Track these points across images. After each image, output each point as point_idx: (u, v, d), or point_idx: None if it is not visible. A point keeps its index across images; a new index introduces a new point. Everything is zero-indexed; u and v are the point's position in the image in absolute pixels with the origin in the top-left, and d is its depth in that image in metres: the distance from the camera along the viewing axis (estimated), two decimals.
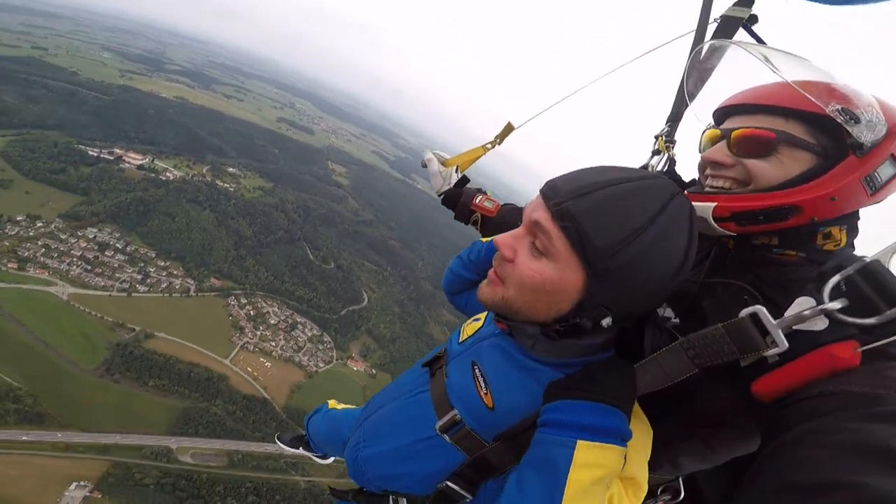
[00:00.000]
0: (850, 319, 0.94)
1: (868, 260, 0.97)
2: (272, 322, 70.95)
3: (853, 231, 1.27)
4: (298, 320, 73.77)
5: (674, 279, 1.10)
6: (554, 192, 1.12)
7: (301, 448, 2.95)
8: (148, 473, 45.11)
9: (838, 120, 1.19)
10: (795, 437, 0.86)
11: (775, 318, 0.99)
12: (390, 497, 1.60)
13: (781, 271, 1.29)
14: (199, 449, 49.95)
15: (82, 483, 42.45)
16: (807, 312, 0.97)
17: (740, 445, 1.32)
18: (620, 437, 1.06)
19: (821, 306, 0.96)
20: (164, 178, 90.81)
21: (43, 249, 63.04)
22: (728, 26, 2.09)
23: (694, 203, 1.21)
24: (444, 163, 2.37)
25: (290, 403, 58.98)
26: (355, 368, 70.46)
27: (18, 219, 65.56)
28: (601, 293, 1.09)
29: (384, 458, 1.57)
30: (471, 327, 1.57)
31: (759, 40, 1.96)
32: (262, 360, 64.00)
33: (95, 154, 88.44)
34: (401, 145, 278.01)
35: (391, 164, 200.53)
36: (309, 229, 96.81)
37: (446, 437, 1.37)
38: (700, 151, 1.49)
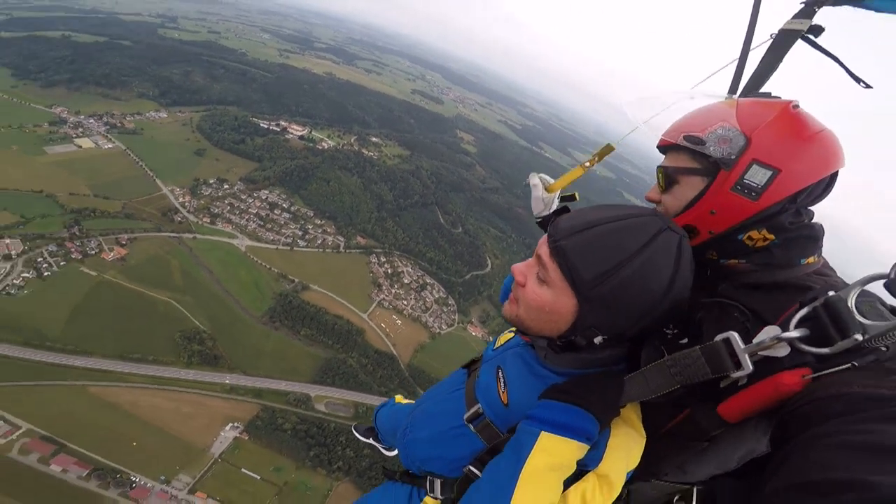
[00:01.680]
0: (807, 348, 1.02)
1: (830, 295, 1.04)
2: (405, 281, 72.97)
3: (782, 229, 1.31)
4: (428, 281, 74.96)
5: (658, 305, 1.21)
6: (555, 231, 1.30)
7: (371, 439, 3.13)
8: (288, 419, 46.75)
9: (687, 146, 1.37)
10: (808, 439, 0.87)
11: (747, 342, 1.08)
12: (428, 479, 1.82)
13: (740, 278, 1.39)
14: (332, 398, 51.30)
15: (236, 424, 44.83)
16: (768, 340, 1.05)
17: (739, 451, 1.35)
18: (583, 434, 1.22)
19: (780, 334, 1.04)
20: (320, 148, 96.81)
21: (228, 207, 70.95)
22: (786, 40, 1.92)
23: None
24: (547, 188, 2.28)
25: (413, 362, 59.91)
26: (474, 334, 69.90)
27: (211, 181, 74.44)
28: (589, 316, 1.25)
29: (423, 442, 1.85)
30: (504, 337, 1.83)
31: (825, 52, 1.85)
32: (394, 317, 65.85)
33: (266, 126, 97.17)
34: (527, 114, 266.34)
35: (518, 133, 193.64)
36: (440, 195, 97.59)
37: (471, 427, 1.62)
38: None
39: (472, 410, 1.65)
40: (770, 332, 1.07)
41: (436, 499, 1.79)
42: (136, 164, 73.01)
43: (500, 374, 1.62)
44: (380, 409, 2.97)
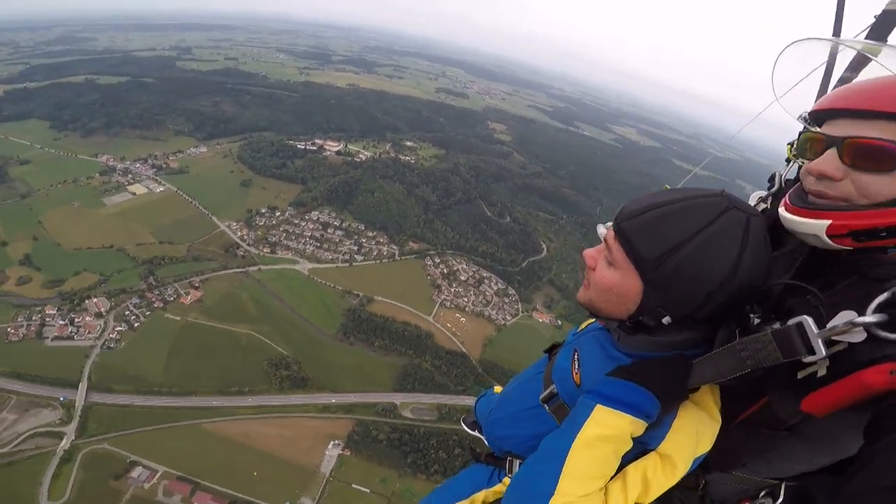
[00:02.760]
0: (882, 333, 0.96)
1: None
2: (462, 278, 72.86)
3: None
4: (484, 275, 74.57)
5: (724, 286, 1.19)
6: (619, 214, 1.34)
7: (477, 431, 3.11)
8: (381, 430, 47.82)
9: None
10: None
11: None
12: (508, 460, 1.95)
13: (889, 270, 1.18)
14: (416, 404, 52.17)
15: (336, 442, 46.23)
16: (841, 325, 1.00)
17: (828, 448, 1.29)
18: (638, 410, 1.26)
19: (854, 319, 0.99)
20: (358, 160, 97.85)
21: (284, 234, 72.68)
22: (888, 22, 1.84)
23: (802, 219, 1.25)
24: None
25: (484, 357, 60.16)
26: (541, 320, 69.13)
27: (262, 210, 76.48)
28: (654, 297, 1.28)
29: (503, 421, 2.02)
30: (586, 322, 1.89)
31: None
32: (457, 315, 65.87)
33: (302, 147, 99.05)
34: (557, 96, 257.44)
35: (550, 115, 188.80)
36: (482, 188, 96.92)
37: (546, 407, 1.70)
38: (795, 152, 1.55)
39: (547, 391, 1.72)
40: (845, 316, 1.02)
41: None
42: (189, 203, 76.20)
43: (576, 356, 1.67)
44: (479, 399, 3.02)
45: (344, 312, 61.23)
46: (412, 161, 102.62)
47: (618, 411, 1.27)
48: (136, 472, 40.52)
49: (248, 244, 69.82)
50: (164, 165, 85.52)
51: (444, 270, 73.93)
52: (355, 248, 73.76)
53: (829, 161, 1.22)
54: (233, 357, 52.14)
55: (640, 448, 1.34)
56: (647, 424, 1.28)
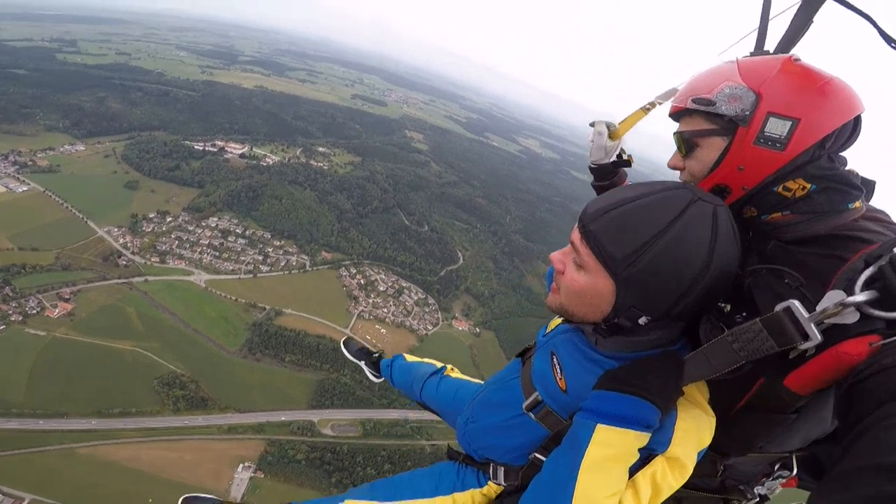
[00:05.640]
0: (876, 313, 0.95)
1: None
2: (381, 289, 71.35)
3: (818, 175, 1.30)
4: (404, 285, 73.69)
5: (699, 279, 1.19)
6: (584, 215, 1.32)
7: (363, 362, 3.48)
8: (298, 449, 45.82)
9: (697, 108, 1.41)
10: (880, 417, 0.81)
11: (809, 306, 1.01)
12: (491, 465, 1.86)
13: (787, 232, 1.37)
14: (336, 420, 50.48)
15: (247, 464, 43.53)
16: (832, 307, 0.98)
17: (818, 426, 1.34)
18: (641, 423, 1.22)
19: (844, 300, 0.97)
20: (264, 164, 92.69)
21: (176, 242, 66.30)
22: (814, 2, 1.93)
23: None
24: (611, 135, 2.17)
25: None
26: (460, 328, 69.65)
27: (151, 216, 69.15)
28: (629, 296, 1.25)
29: (483, 432, 1.92)
30: (554, 322, 1.81)
31: (854, 9, 1.73)
32: (377, 326, 64.33)
33: (201, 148, 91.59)
34: (469, 107, 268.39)
35: (464, 126, 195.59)
36: (400, 196, 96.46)
37: (531, 415, 1.63)
38: None
39: (531, 399, 1.65)
40: (834, 297, 1.00)
41: (499, 485, 1.81)
42: (60, 205, 66.66)
43: (555, 359, 1.61)
44: (393, 361, 3.19)
45: (248, 327, 57.03)
46: (325, 168, 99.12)
47: (620, 428, 1.23)
48: None
49: (133, 252, 62.50)
50: (31, 162, 73.45)
51: (362, 281, 71.83)
52: (260, 257, 69.15)
53: (674, 156, 1.59)
54: (114, 376, 46.62)
55: (647, 453, 1.30)
56: (650, 435, 1.25)
